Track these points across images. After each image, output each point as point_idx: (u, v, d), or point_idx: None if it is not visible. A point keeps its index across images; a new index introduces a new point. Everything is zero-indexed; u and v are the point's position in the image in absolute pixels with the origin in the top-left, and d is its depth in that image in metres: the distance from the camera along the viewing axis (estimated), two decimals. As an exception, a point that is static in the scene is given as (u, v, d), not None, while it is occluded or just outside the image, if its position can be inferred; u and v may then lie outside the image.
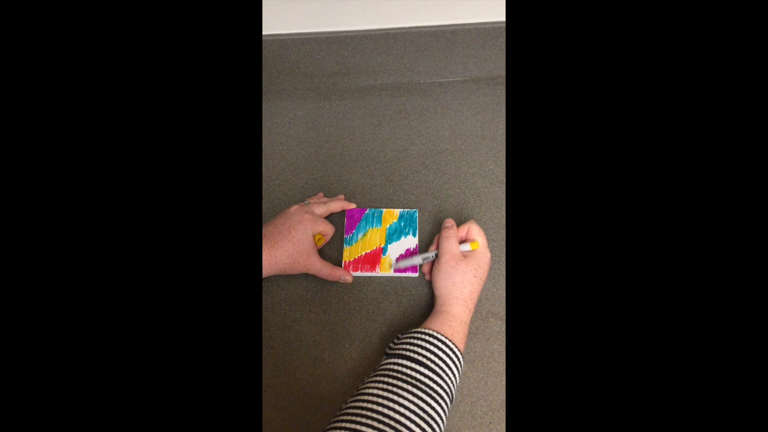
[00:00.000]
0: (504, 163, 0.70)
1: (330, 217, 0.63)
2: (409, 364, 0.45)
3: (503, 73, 0.79)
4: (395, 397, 0.42)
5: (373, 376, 0.46)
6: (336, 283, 0.59)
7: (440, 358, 0.46)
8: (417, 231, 0.62)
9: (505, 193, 0.66)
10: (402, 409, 0.42)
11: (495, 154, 0.71)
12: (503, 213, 0.65)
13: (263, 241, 0.54)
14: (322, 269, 0.57)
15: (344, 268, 0.59)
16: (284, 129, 0.74)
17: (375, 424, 0.40)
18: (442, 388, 0.44)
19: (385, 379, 0.44)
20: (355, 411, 0.42)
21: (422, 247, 0.62)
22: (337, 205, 0.63)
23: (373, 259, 0.60)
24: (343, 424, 0.41)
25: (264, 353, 0.54)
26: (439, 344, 0.47)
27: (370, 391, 0.44)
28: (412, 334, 0.48)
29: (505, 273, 0.59)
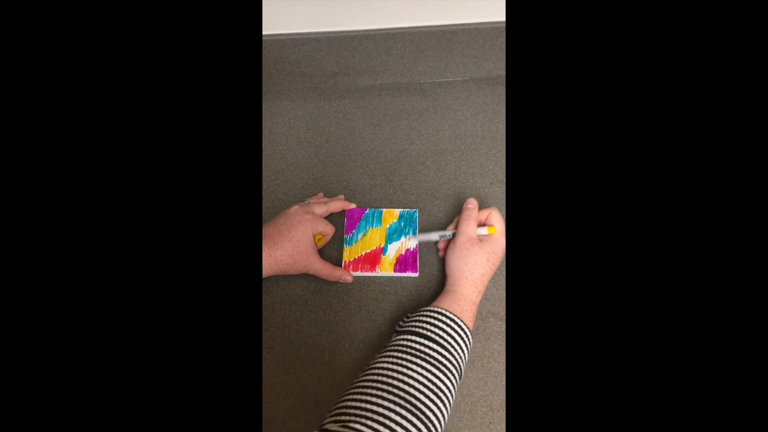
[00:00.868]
0: (504, 163, 0.70)
1: (330, 217, 0.63)
2: (418, 339, 0.46)
3: (503, 73, 0.79)
4: (405, 370, 0.43)
5: (383, 352, 0.47)
6: (336, 283, 0.59)
7: (449, 334, 0.47)
8: (417, 231, 0.62)
9: (505, 193, 0.66)
10: (412, 381, 0.43)
11: (495, 154, 0.71)
12: (503, 213, 0.65)
13: (263, 241, 0.54)
14: (322, 269, 0.57)
15: (344, 268, 0.59)
16: (284, 129, 0.74)
17: (386, 395, 0.41)
18: (450, 362, 0.45)
19: (396, 354, 0.45)
20: (366, 384, 0.43)
21: (422, 246, 0.62)
22: (337, 205, 0.63)
23: (373, 259, 0.60)
24: (355, 396, 0.42)
25: (264, 353, 0.54)
26: (448, 321, 0.48)
27: (381, 365, 0.45)
28: (422, 312, 0.50)
29: (505, 273, 0.59)
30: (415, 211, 0.64)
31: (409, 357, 0.45)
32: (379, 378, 0.43)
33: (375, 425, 0.39)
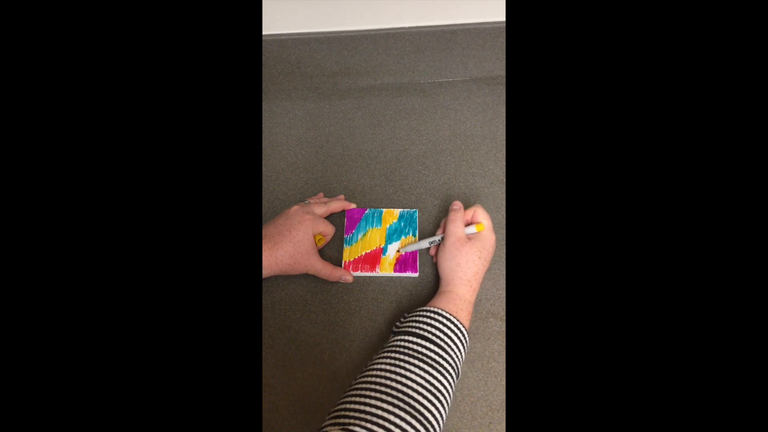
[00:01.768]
0: (504, 163, 0.70)
1: (330, 217, 0.63)
2: (415, 339, 0.46)
3: (503, 73, 0.79)
4: (403, 371, 0.43)
5: (381, 353, 0.47)
6: (336, 283, 0.59)
7: (445, 334, 0.47)
8: (417, 231, 0.62)
9: (505, 193, 0.66)
10: (410, 382, 0.43)
11: (495, 154, 0.71)
12: (503, 213, 0.65)
13: (264, 241, 0.54)
14: (322, 270, 0.57)
15: (344, 268, 0.59)
16: (284, 129, 0.74)
17: (384, 396, 0.41)
18: (447, 362, 0.45)
19: (393, 354, 0.45)
20: (364, 386, 0.43)
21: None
22: (337, 205, 0.63)
23: (373, 259, 0.60)
24: (354, 398, 0.42)
25: (264, 353, 0.54)
26: (444, 320, 0.48)
27: (379, 366, 0.45)
28: (418, 313, 0.50)
29: (505, 273, 0.59)
30: (415, 211, 0.64)
31: (406, 358, 0.45)
32: (378, 380, 0.43)
33: (375, 428, 0.39)
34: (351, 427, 0.39)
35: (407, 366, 0.44)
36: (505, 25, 0.71)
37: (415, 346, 0.46)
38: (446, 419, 0.45)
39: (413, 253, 0.60)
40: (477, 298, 0.55)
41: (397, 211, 0.64)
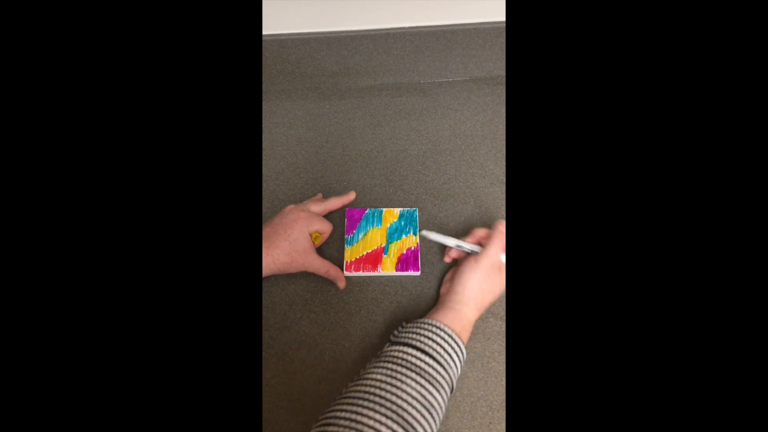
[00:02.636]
0: (504, 163, 0.70)
1: (330, 216, 0.63)
2: (414, 353, 0.45)
3: (503, 73, 0.79)
4: (399, 384, 0.43)
5: (376, 362, 0.46)
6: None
7: (446, 351, 0.46)
8: (417, 230, 0.62)
9: (505, 193, 0.66)
10: (404, 395, 0.42)
11: (495, 154, 0.71)
12: (503, 213, 0.65)
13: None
14: (320, 267, 0.57)
15: (346, 268, 0.59)
16: (284, 129, 0.74)
17: (377, 407, 0.41)
18: (444, 378, 0.45)
19: (390, 365, 0.45)
20: (357, 395, 0.42)
21: (422, 244, 0.62)
22: (335, 202, 0.63)
23: (374, 258, 0.60)
24: (345, 407, 0.41)
25: (264, 353, 0.54)
26: (447, 338, 0.47)
27: (374, 376, 0.44)
28: (420, 325, 0.49)
29: (505, 273, 0.59)
30: (416, 209, 0.64)
31: (404, 370, 0.44)
32: (372, 389, 0.42)
33: None
34: None
35: (404, 379, 0.43)
36: (505, 25, 0.71)
37: (414, 360, 0.45)
38: (440, 426, 0.44)
39: (414, 252, 0.60)
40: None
41: (397, 210, 0.64)
